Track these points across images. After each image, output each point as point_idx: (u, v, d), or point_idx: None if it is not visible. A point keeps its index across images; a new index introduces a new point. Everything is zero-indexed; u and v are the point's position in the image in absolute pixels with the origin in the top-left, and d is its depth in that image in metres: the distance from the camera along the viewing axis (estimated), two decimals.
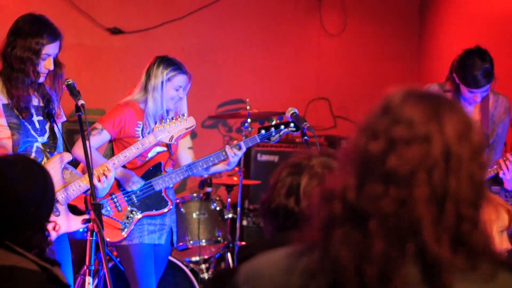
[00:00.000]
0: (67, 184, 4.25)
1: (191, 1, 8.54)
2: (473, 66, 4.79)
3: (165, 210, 5.05)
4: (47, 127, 4.27)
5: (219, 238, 6.15)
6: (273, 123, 5.04)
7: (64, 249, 4.29)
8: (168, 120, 4.66)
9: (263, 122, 5.07)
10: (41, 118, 4.26)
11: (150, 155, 5.05)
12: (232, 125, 8.58)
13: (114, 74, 8.14)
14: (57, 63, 4.21)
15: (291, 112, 4.83)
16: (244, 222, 7.25)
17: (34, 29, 4.08)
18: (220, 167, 5.10)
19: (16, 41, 4.09)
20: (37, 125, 4.23)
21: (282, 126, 5.04)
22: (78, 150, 4.62)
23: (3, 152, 4.13)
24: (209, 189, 6.18)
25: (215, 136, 8.53)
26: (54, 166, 4.18)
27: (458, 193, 1.52)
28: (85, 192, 4.29)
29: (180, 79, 4.99)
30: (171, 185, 5.06)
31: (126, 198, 4.97)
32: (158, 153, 5.09)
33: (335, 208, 1.53)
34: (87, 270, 3.81)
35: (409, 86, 1.62)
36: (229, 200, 6.71)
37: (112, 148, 5.05)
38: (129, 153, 4.58)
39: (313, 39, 8.90)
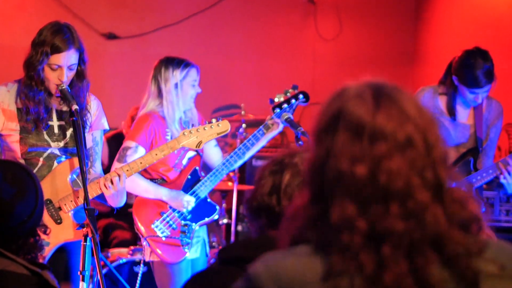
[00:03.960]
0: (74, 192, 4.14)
1: (187, 7, 8.54)
2: (475, 65, 4.76)
3: (216, 215, 4.95)
4: (68, 132, 4.21)
5: (213, 243, 6.14)
6: (282, 99, 4.94)
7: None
8: (198, 124, 4.48)
9: (273, 101, 4.95)
10: (62, 123, 4.20)
11: (184, 162, 4.94)
12: None
13: (109, 79, 8.14)
14: (78, 75, 4.16)
15: (286, 117, 4.83)
16: (239, 228, 7.25)
17: (42, 38, 4.05)
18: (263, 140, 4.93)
19: (30, 49, 4.09)
20: (56, 130, 4.17)
21: (293, 100, 4.96)
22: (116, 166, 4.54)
23: (12, 156, 4.12)
24: None
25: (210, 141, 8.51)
26: (60, 174, 4.13)
27: (445, 179, 1.54)
28: (97, 198, 4.19)
29: (193, 73, 4.87)
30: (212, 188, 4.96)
31: (177, 214, 4.84)
32: (190, 159, 4.97)
33: (355, 240, 1.50)
34: (81, 276, 3.80)
35: (346, 86, 1.61)
36: (224, 205, 6.70)
37: None
38: (144, 160, 4.20)
39: (308, 44, 8.90)
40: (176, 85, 4.83)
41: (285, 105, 4.91)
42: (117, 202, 4.17)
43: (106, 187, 4.07)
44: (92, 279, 4.07)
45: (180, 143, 4.29)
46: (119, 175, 4.09)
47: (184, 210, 4.82)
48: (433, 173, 1.52)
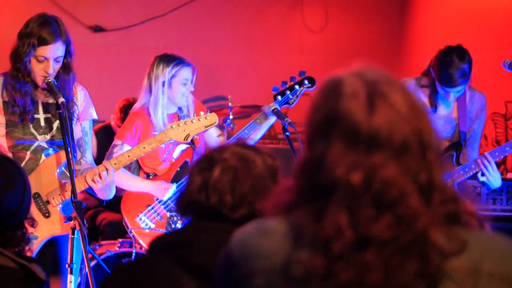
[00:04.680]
0: (62, 185, 4.14)
1: None
2: (451, 64, 4.74)
3: None
4: (54, 125, 4.21)
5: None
6: (287, 86, 4.92)
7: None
8: (186, 117, 4.48)
9: (278, 89, 4.93)
10: (49, 115, 4.20)
11: (175, 155, 4.96)
12: None
13: (96, 72, 8.12)
14: (64, 68, 4.15)
15: (273, 108, 4.83)
16: None
17: (29, 29, 4.03)
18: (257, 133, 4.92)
19: (17, 40, 4.07)
20: (42, 123, 4.17)
21: (297, 86, 4.94)
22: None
23: None
24: None
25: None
26: (48, 167, 4.12)
27: (439, 178, 1.53)
28: (87, 190, 4.19)
29: (185, 72, 4.88)
30: None
31: (163, 206, 4.87)
32: (182, 151, 4.99)
33: (335, 247, 1.49)
34: (69, 269, 3.80)
35: (336, 82, 1.58)
36: None
37: (137, 161, 4.98)
38: (132, 153, 4.23)
39: (295, 35, 8.91)
40: (163, 83, 4.85)
41: (288, 92, 4.92)
42: (106, 195, 4.18)
43: (94, 182, 4.08)
44: (81, 272, 4.07)
45: (168, 136, 4.31)
46: (107, 169, 4.10)
47: (165, 198, 4.85)
48: (427, 175, 1.51)
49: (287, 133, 4.59)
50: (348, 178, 1.49)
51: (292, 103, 4.94)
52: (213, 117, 4.40)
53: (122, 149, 4.79)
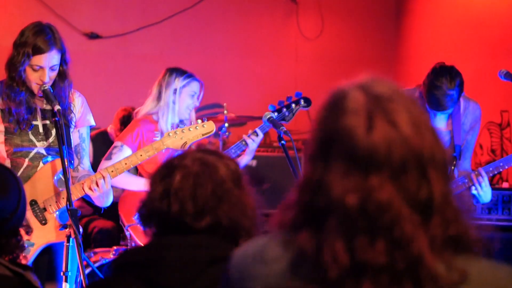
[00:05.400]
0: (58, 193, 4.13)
1: (169, 6, 8.54)
2: (439, 89, 4.69)
3: None
4: (52, 131, 4.19)
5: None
6: (284, 104, 5.04)
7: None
8: (183, 125, 4.47)
9: (275, 107, 5.02)
10: (47, 122, 4.19)
11: None
12: None
13: (92, 79, 8.12)
14: (60, 76, 4.15)
15: (268, 117, 4.83)
16: None
17: (24, 39, 4.03)
18: (243, 160, 5.12)
19: (12, 50, 4.07)
20: (41, 130, 4.17)
21: (293, 105, 5.05)
22: (104, 164, 4.63)
23: None
24: None
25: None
26: (46, 175, 4.11)
27: (439, 195, 1.48)
28: (84, 196, 4.18)
29: (195, 85, 5.03)
30: None
31: None
32: None
33: (331, 273, 1.46)
34: (64, 276, 3.79)
35: (340, 99, 1.54)
36: None
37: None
38: (129, 161, 4.21)
39: (290, 42, 8.92)
40: (175, 91, 4.97)
41: (284, 109, 5.03)
42: (103, 202, 4.18)
43: (92, 190, 4.07)
44: (76, 280, 4.07)
45: (165, 144, 4.30)
46: (103, 177, 4.09)
47: None
48: (427, 195, 1.46)
49: (282, 142, 4.59)
50: (343, 200, 1.46)
51: (289, 120, 5.04)
52: (210, 125, 4.40)
53: (121, 151, 4.84)
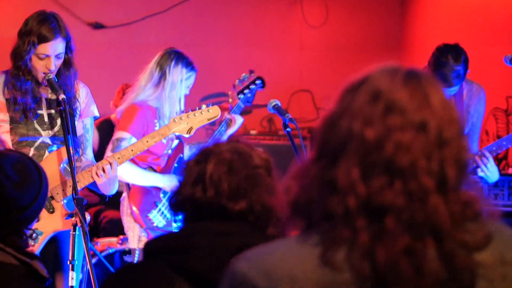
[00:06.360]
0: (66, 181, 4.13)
1: None
2: (445, 65, 4.72)
3: None
4: (57, 121, 4.19)
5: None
6: (241, 85, 5.18)
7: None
8: (189, 111, 4.42)
9: (235, 87, 5.20)
10: (52, 111, 4.20)
11: (169, 152, 4.91)
12: None
13: (96, 69, 8.11)
14: (65, 64, 4.15)
15: (273, 104, 4.81)
16: None
17: (28, 27, 4.04)
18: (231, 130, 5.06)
19: (17, 39, 4.08)
20: (46, 119, 4.17)
21: (252, 86, 5.18)
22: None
23: (3, 146, 4.11)
24: None
25: (198, 129, 8.51)
26: (52, 163, 4.12)
27: (453, 178, 1.49)
28: (90, 186, 4.19)
29: (193, 78, 4.89)
30: None
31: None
32: (175, 147, 4.93)
33: (349, 203, 1.46)
34: (71, 265, 3.80)
35: (387, 64, 1.59)
36: None
37: None
38: (135, 147, 4.21)
39: (295, 30, 8.90)
40: (181, 81, 4.78)
41: (246, 91, 5.06)
42: (109, 190, 4.18)
43: (98, 176, 4.08)
44: (82, 269, 4.08)
45: (171, 130, 4.31)
46: (110, 163, 4.10)
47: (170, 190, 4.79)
48: (439, 168, 1.48)
49: (287, 129, 4.58)
50: (362, 132, 1.49)
51: (251, 101, 5.18)
52: (216, 110, 4.42)
53: (130, 142, 4.64)
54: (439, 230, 1.46)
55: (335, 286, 1.47)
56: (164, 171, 4.89)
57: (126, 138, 4.69)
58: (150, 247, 2.24)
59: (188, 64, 4.85)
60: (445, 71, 4.70)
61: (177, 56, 4.85)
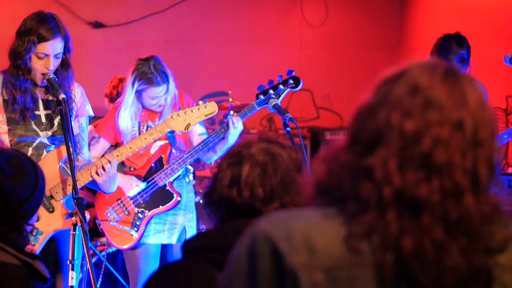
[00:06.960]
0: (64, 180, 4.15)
1: None
2: (450, 50, 4.81)
3: (171, 203, 4.84)
4: (55, 121, 4.21)
5: (202, 231, 6.14)
6: (273, 85, 4.78)
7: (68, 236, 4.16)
8: (186, 107, 4.43)
9: (263, 88, 4.80)
10: (49, 112, 4.20)
11: (152, 151, 4.90)
12: (215, 117, 8.58)
13: (96, 68, 8.12)
14: (63, 64, 4.15)
15: (273, 103, 4.80)
16: None
17: (28, 27, 4.05)
18: (224, 145, 4.86)
19: (15, 38, 4.08)
20: (43, 119, 4.18)
21: (281, 86, 4.80)
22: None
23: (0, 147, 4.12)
24: (193, 182, 6.17)
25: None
26: (51, 162, 4.13)
27: (485, 179, 1.51)
28: (89, 185, 4.20)
29: (152, 91, 4.76)
30: (174, 177, 4.86)
31: (132, 201, 4.81)
32: (160, 147, 4.91)
33: (385, 192, 1.48)
34: (71, 265, 3.80)
35: (426, 60, 1.60)
36: None
37: None
38: (134, 145, 4.29)
39: (295, 30, 8.90)
40: (130, 94, 4.78)
41: (271, 91, 4.79)
42: (109, 188, 4.21)
43: (98, 174, 4.10)
44: (82, 268, 4.08)
45: (169, 126, 4.36)
46: (109, 161, 4.12)
47: (130, 195, 4.79)
48: (473, 167, 1.49)
49: (288, 129, 4.57)
50: (401, 124, 1.50)
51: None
52: (213, 106, 4.45)
53: (99, 143, 4.84)
54: (470, 229, 1.48)
55: (352, 267, 1.49)
56: (141, 169, 4.88)
57: (95, 137, 4.86)
58: (189, 246, 2.29)
59: (142, 78, 4.76)
60: (449, 56, 4.78)
61: (134, 68, 4.81)
